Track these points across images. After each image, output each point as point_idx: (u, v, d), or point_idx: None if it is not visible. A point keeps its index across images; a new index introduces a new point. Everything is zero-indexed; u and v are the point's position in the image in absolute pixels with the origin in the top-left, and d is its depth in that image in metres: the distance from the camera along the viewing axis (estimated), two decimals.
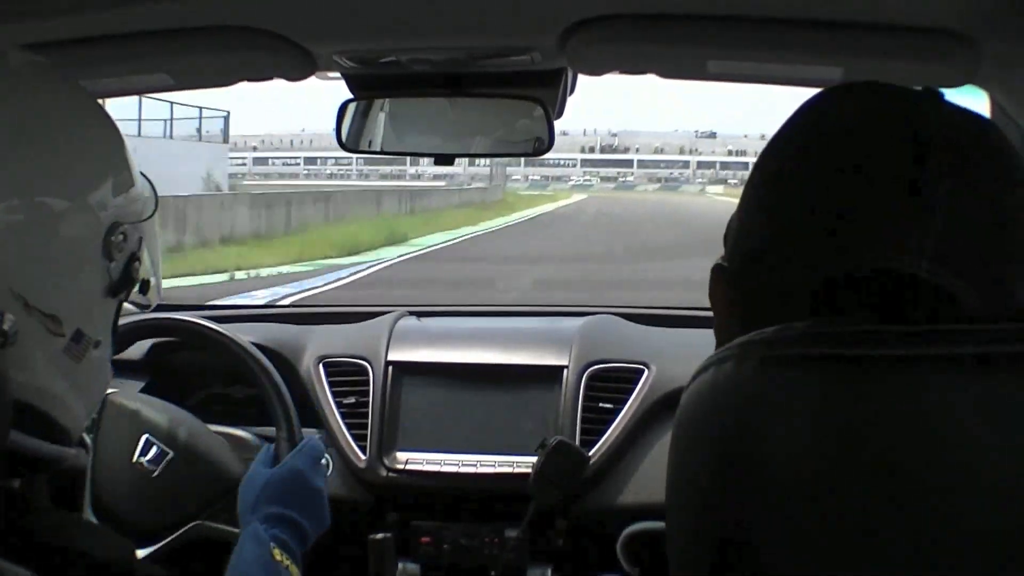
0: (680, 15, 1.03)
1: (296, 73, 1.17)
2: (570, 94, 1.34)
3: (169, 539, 1.28)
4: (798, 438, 0.57)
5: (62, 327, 0.69)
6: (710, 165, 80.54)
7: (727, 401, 0.60)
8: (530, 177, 74.09)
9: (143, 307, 0.83)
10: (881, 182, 0.61)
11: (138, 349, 1.72)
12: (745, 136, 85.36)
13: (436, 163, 1.35)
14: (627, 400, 1.60)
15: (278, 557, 0.94)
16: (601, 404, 1.59)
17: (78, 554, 0.63)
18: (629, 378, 1.62)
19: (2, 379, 0.62)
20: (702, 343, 1.75)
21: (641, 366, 1.63)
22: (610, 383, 1.61)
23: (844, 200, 0.62)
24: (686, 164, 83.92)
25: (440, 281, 10.68)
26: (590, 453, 1.53)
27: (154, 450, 1.30)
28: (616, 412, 1.59)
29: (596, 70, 1.16)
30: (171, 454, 1.30)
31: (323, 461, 1.16)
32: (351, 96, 1.31)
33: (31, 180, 0.67)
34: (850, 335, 0.58)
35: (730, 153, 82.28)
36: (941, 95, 0.65)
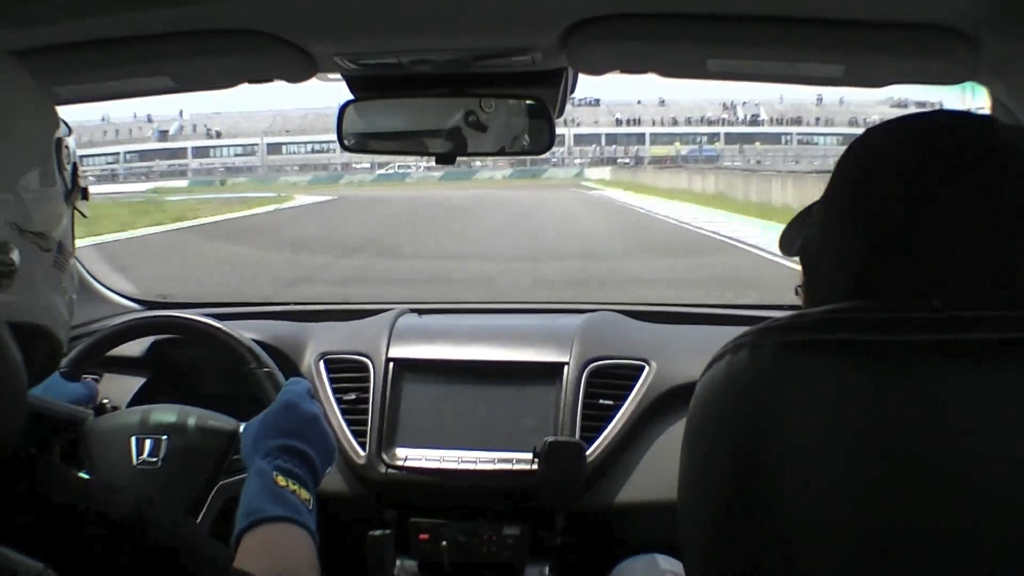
0: (681, 14, 1.03)
1: (297, 75, 1.17)
2: (571, 93, 1.34)
3: (202, 515, 1.29)
4: (814, 424, 0.58)
5: (49, 242, 0.75)
6: (592, 139, 55.68)
7: (742, 389, 0.61)
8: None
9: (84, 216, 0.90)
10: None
11: (139, 346, 1.72)
12: (639, 102, 62.83)
13: (438, 162, 1.35)
14: (627, 396, 1.60)
15: (282, 483, 0.95)
16: (601, 401, 1.60)
17: (94, 513, 0.65)
18: (629, 375, 1.62)
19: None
20: (702, 339, 1.77)
21: (641, 363, 1.63)
22: (610, 380, 1.62)
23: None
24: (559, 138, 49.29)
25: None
26: (590, 450, 1.54)
27: (148, 444, 1.30)
28: (616, 408, 1.59)
29: (597, 69, 1.16)
30: (164, 437, 1.31)
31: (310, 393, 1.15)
32: (352, 97, 1.31)
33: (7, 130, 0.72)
34: (868, 321, 0.58)
35: (619, 123, 58.97)
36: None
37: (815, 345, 0.58)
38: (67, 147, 0.81)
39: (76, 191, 0.83)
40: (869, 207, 0.65)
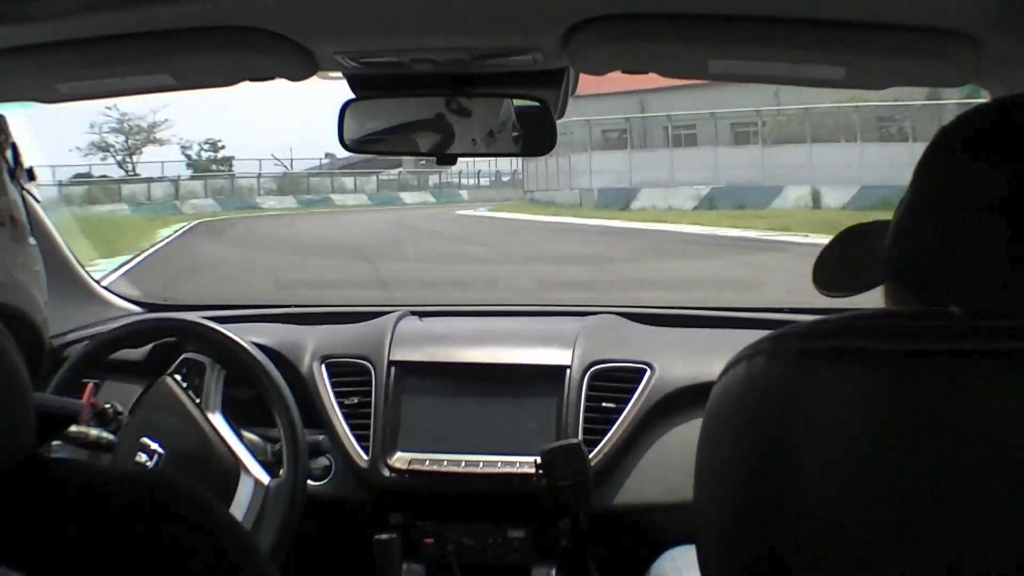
0: (681, 14, 1.03)
1: (298, 73, 1.17)
2: (572, 94, 1.34)
3: None
4: (834, 432, 0.57)
5: (3, 215, 0.77)
6: None
7: (761, 395, 0.60)
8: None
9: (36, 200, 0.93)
10: None
11: (140, 350, 1.72)
12: None
13: (439, 163, 1.35)
14: (630, 399, 1.60)
15: None
16: (604, 404, 1.60)
17: (115, 494, 0.65)
18: (632, 377, 1.62)
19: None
20: (705, 343, 1.76)
21: (643, 366, 1.63)
22: (613, 383, 1.61)
23: None
24: None
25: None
26: (593, 452, 1.54)
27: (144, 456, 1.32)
28: (619, 411, 1.59)
29: (598, 69, 1.16)
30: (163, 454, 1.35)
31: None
32: (353, 96, 1.31)
33: None
34: (888, 328, 0.57)
35: None
36: None
37: (836, 353, 0.58)
38: (2, 128, 0.82)
39: (21, 169, 0.85)
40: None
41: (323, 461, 1.63)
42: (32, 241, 0.83)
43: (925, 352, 0.56)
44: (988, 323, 0.56)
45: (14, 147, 0.84)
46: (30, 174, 0.88)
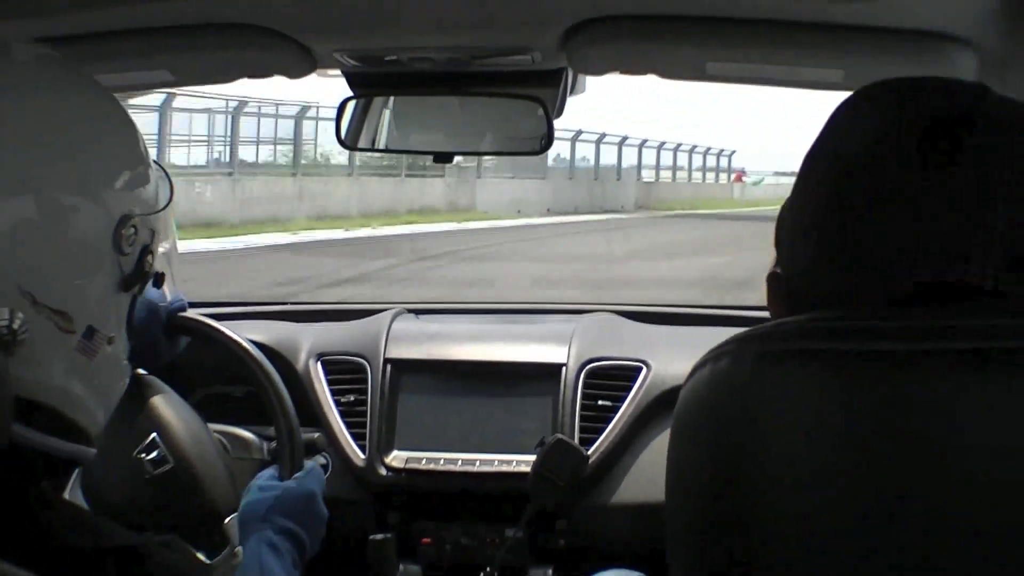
0: (680, 16, 1.03)
1: (296, 70, 1.17)
2: (570, 94, 1.35)
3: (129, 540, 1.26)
4: (795, 435, 0.57)
5: (73, 324, 0.68)
6: None
7: (724, 398, 0.60)
8: None
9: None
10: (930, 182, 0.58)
11: None
12: None
13: (436, 161, 1.35)
14: (626, 398, 1.60)
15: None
16: (600, 402, 1.59)
17: (100, 551, 0.64)
18: (628, 376, 1.62)
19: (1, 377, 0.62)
20: (701, 341, 1.75)
21: (640, 364, 1.63)
22: (609, 381, 1.61)
23: (899, 215, 0.59)
24: None
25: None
26: (589, 451, 1.54)
27: (156, 452, 1.27)
28: (615, 410, 1.59)
29: (596, 70, 1.16)
30: (170, 464, 1.25)
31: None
32: (351, 94, 1.31)
33: (39, 176, 0.66)
34: (847, 330, 0.57)
35: None
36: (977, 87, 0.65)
37: (794, 354, 0.58)
38: (135, 227, 0.71)
39: (141, 279, 0.75)
40: (836, 199, 0.62)
41: (319, 459, 1.63)
42: (110, 350, 0.73)
43: (887, 353, 0.56)
44: (950, 323, 0.56)
45: (144, 251, 0.74)
46: (157, 281, 0.80)
